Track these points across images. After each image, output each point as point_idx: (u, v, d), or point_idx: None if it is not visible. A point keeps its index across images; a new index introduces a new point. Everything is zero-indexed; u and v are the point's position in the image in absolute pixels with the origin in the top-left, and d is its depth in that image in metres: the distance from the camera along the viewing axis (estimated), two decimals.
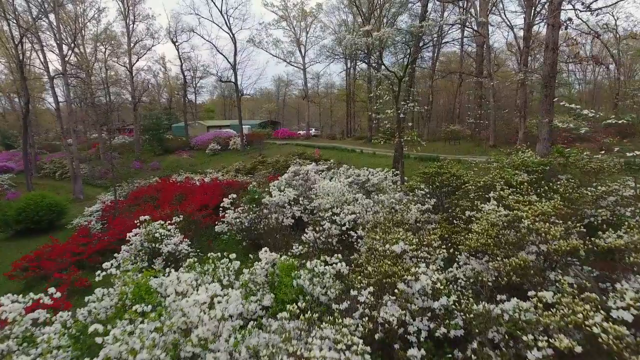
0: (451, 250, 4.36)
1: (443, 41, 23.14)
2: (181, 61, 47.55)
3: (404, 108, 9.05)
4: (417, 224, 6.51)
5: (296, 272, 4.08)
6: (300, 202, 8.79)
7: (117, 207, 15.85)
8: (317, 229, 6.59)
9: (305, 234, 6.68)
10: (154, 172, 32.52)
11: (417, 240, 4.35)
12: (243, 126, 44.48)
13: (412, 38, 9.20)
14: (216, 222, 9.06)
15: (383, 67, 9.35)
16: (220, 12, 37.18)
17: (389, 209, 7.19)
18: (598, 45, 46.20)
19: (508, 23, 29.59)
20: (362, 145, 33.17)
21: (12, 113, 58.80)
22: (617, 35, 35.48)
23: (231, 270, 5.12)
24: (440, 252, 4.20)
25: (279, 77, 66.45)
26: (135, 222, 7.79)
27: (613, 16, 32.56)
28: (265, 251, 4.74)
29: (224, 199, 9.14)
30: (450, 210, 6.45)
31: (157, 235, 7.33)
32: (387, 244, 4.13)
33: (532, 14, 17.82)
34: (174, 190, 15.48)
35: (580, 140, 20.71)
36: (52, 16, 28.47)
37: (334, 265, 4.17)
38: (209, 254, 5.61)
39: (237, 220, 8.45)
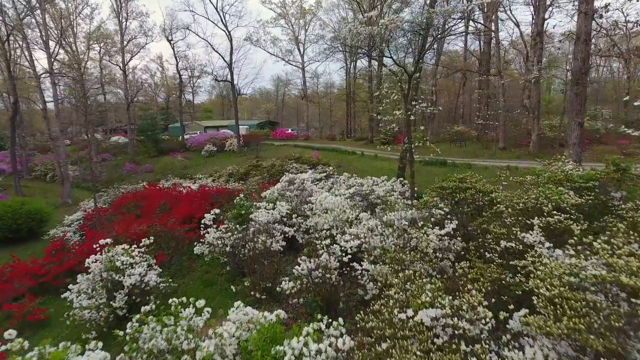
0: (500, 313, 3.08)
1: (449, 33, 21.58)
2: (177, 60, 46.35)
3: (415, 109, 7.77)
4: (437, 254, 5.23)
5: (278, 347, 2.82)
6: (294, 219, 7.51)
7: (98, 216, 14.54)
8: (313, 260, 5.30)
9: (297, 266, 5.39)
10: (146, 175, 31.28)
11: (449, 297, 3.08)
12: (241, 126, 43.24)
13: (424, 26, 7.90)
14: (195, 243, 7.74)
15: (391, 61, 8.09)
16: (216, 9, 35.94)
17: (401, 232, 5.91)
18: (602, 43, 44.80)
19: (514, 20, 28.34)
20: (362, 146, 31.91)
21: (5, 113, 57.48)
22: (628, 33, 34.25)
23: (196, 327, 3.83)
24: (486, 317, 2.92)
25: (277, 77, 65.19)
26: (94, 246, 6.50)
27: (623, 13, 31.35)
28: (238, 307, 3.46)
29: (206, 215, 7.83)
30: (479, 238, 5.17)
31: (118, 264, 6.04)
32: (410, 308, 2.87)
33: (545, 6, 16.51)
34: (159, 199, 14.18)
35: (597, 143, 19.45)
36: (39, 12, 27.12)
37: (333, 337, 2.90)
38: (171, 300, 4.30)
39: (219, 241, 7.16)
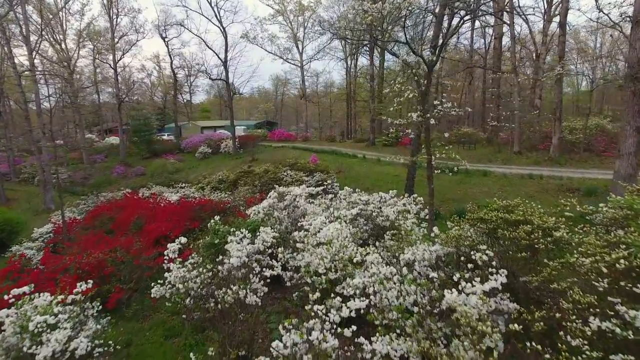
0: None
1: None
2: (171, 58, 44.80)
3: (436, 111, 6.08)
4: (486, 328, 3.52)
5: None
6: (281, 254, 5.82)
7: (66, 231, 12.82)
8: (300, 332, 3.60)
9: (279, 341, 3.68)
10: (137, 179, 29.70)
11: None
12: (238, 127, 41.60)
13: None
14: (153, 284, 5.98)
15: (402, 51, 6.45)
16: (210, 4, 34.19)
17: (425, 283, 4.21)
18: (608, 42, 42.87)
19: (523, 16, 26.50)
20: (364, 149, 30.23)
21: None
22: None
23: None
24: None
25: (277, 76, 63.48)
26: (7, 297, 4.79)
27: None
28: None
29: (169, 245, 6.12)
30: (545, 302, 3.49)
31: (31, 326, 4.34)
32: None
33: None
34: (135, 211, 12.48)
35: None
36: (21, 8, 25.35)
37: None
38: None
39: (182, 284, 5.44)
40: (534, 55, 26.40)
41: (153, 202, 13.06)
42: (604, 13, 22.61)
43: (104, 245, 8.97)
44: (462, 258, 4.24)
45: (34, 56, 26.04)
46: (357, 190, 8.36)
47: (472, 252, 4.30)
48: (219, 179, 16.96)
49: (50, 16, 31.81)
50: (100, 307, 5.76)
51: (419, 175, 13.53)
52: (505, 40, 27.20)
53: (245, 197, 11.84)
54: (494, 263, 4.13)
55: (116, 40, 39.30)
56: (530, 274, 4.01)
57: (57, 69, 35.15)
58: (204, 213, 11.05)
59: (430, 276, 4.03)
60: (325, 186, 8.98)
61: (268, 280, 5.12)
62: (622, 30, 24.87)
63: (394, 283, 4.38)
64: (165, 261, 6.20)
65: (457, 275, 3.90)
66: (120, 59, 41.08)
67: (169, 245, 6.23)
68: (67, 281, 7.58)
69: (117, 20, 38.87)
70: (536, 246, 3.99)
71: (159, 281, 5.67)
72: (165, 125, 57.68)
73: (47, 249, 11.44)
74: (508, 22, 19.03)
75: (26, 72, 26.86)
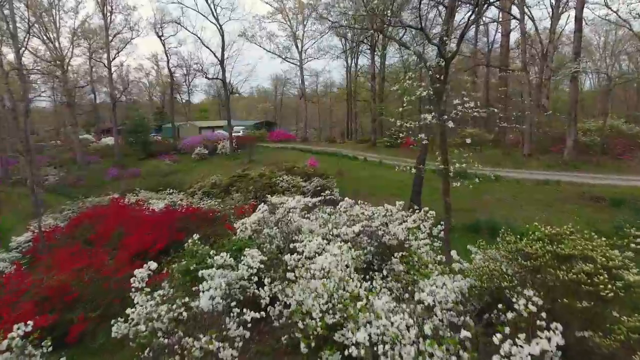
0: None
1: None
2: (167, 57, 43.93)
3: (454, 112, 5.12)
4: None
5: None
6: (268, 285, 4.83)
7: (44, 241, 11.82)
8: None
9: None
10: (130, 181, 28.74)
11: None
12: (237, 127, 40.67)
13: None
14: (113, 322, 4.96)
15: (409, 42, 5.47)
16: (206, 1, 33.18)
17: (454, 341, 3.23)
18: (611, 41, 41.75)
19: (529, 14, 25.42)
20: (365, 150, 29.26)
21: None
22: None
23: None
24: None
25: (276, 76, 62.39)
26: None
27: None
28: None
29: (136, 272, 5.12)
30: None
31: None
32: None
33: None
34: (118, 220, 11.50)
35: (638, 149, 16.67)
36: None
37: None
38: None
39: (146, 324, 4.45)
40: (541, 54, 25.44)
41: (138, 210, 12.07)
42: (612, 10, 21.63)
43: (71, 262, 7.97)
44: (500, 306, 3.23)
45: (21, 53, 24.97)
46: (358, 195, 7.39)
47: (512, 295, 3.29)
48: (212, 183, 15.96)
49: (41, 11, 30.78)
50: (51, 348, 4.77)
51: (425, 179, 12.60)
52: (513, 39, 26.25)
53: (237, 205, 10.84)
54: (543, 314, 3.12)
55: (110, 38, 38.32)
56: (593, 329, 3.02)
57: (49, 68, 34.17)
58: (192, 223, 10.10)
59: (462, 335, 3.02)
60: (324, 196, 8.04)
61: (249, 325, 4.11)
62: (631, 27, 23.79)
63: (409, 337, 3.39)
64: (133, 289, 5.22)
65: (497, 338, 2.89)
66: (115, 57, 40.14)
67: (135, 271, 5.24)
68: (25, 308, 6.61)
69: (111, 18, 37.92)
70: (601, 294, 2.99)
71: (119, 319, 4.67)
72: (163, 126, 56.80)
73: (18, 263, 10.45)
74: (518, 17, 18.04)
75: (14, 70, 25.81)
